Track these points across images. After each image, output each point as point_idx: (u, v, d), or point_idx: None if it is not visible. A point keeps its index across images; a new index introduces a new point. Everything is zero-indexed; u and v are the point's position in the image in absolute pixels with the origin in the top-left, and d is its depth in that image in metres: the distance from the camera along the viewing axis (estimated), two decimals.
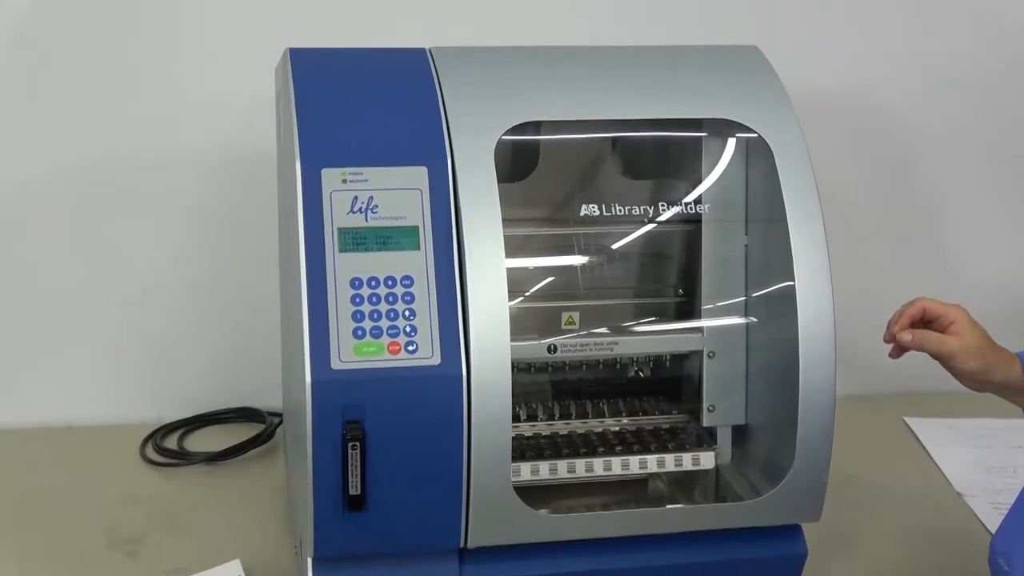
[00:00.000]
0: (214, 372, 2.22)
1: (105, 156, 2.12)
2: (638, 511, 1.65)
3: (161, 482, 1.99)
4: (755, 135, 1.59)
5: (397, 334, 1.42)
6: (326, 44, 1.64)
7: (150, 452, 2.08)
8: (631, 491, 1.71)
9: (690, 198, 1.68)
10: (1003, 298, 2.41)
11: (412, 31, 2.06)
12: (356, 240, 1.45)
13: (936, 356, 1.56)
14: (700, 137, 1.69)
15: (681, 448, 1.69)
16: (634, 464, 1.66)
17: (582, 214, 1.64)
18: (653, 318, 1.75)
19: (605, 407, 1.75)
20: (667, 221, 1.69)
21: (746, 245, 1.67)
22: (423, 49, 1.61)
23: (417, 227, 1.46)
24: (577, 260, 1.72)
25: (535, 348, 1.65)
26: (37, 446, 2.10)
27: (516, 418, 1.68)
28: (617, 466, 1.66)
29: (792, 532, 1.63)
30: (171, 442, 2.12)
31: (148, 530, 1.81)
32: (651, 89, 1.61)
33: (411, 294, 1.44)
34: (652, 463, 1.67)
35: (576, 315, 1.70)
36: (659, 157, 1.77)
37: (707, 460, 1.69)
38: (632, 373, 1.76)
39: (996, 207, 2.40)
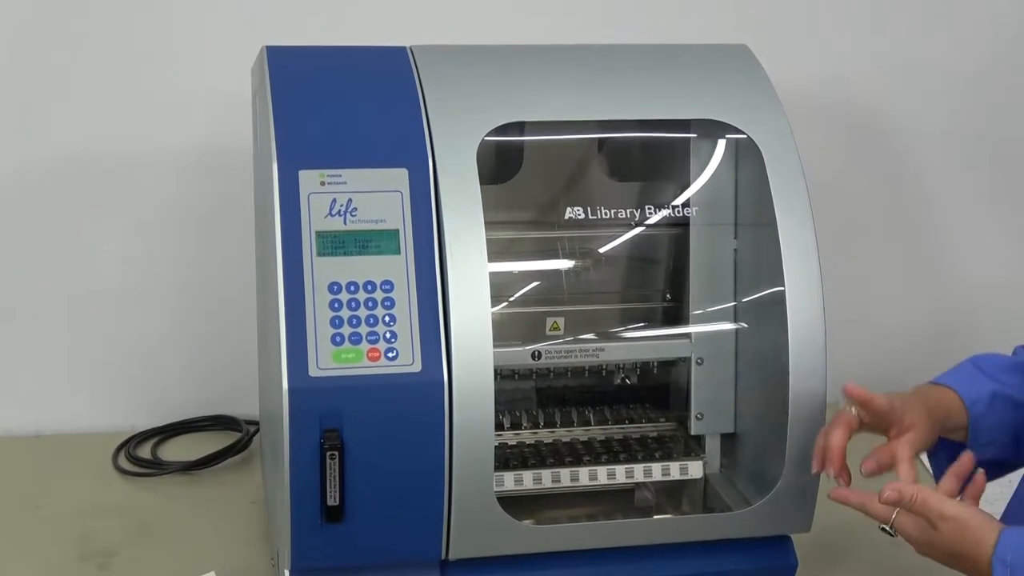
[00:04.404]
0: (189, 379, 2.20)
1: (76, 155, 2.09)
2: (624, 522, 1.64)
3: (134, 492, 1.96)
4: (744, 136, 1.58)
5: (377, 340, 1.41)
6: (304, 42, 1.62)
7: (123, 461, 2.05)
8: (617, 501, 1.70)
9: (678, 201, 1.67)
10: (994, 299, 2.41)
11: (392, 29, 2.03)
12: (335, 244, 1.43)
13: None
14: (688, 138, 1.68)
15: (668, 457, 1.68)
16: (620, 473, 1.65)
17: (567, 217, 1.63)
18: (640, 324, 1.74)
19: (591, 415, 1.74)
20: (654, 224, 1.68)
21: (735, 249, 1.66)
22: (404, 47, 1.59)
23: (397, 230, 1.44)
24: (562, 264, 1.71)
25: (519, 354, 1.64)
26: (5, 455, 2.07)
27: (499, 426, 1.67)
28: (603, 475, 1.65)
29: (782, 543, 1.62)
30: (145, 451, 2.09)
31: (121, 542, 1.79)
32: (638, 89, 1.60)
33: (391, 299, 1.42)
34: (639, 472, 1.66)
35: (561, 321, 1.68)
36: (646, 159, 1.77)
37: (695, 469, 1.68)
38: (618, 380, 1.75)
39: (987, 207, 2.40)
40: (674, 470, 1.66)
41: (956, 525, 1.28)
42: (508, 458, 1.64)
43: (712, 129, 1.62)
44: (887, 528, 1.35)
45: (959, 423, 1.50)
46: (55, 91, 2.07)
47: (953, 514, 1.29)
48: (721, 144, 1.66)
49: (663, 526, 1.63)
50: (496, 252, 1.48)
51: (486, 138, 1.49)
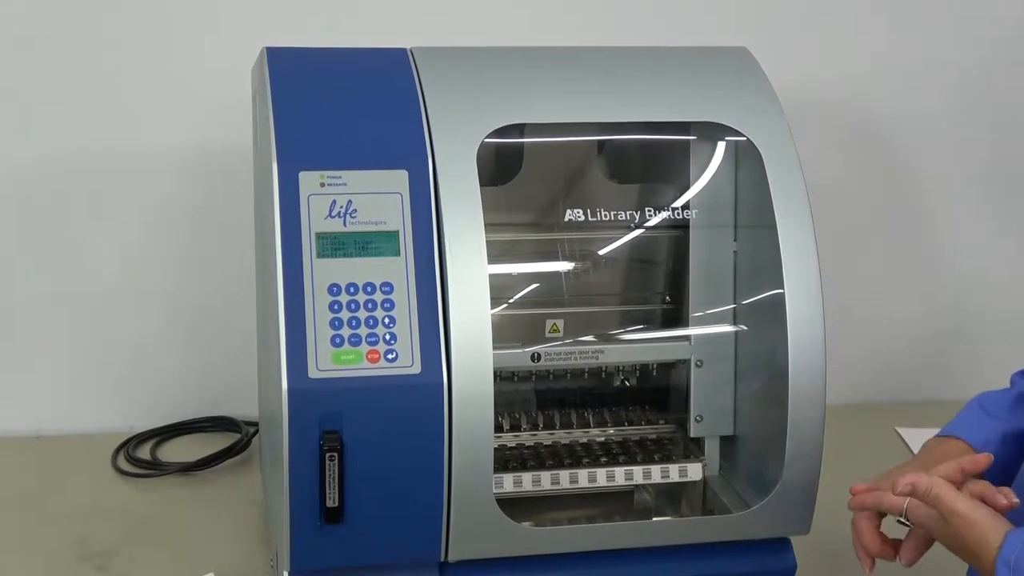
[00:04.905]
0: (188, 380, 2.20)
1: (76, 155, 2.09)
2: (623, 524, 1.63)
3: (133, 493, 1.96)
4: (744, 139, 1.57)
5: (376, 342, 1.40)
6: (304, 42, 1.61)
7: (122, 462, 2.05)
8: (616, 503, 1.69)
9: (678, 203, 1.67)
10: (994, 298, 2.42)
11: (392, 30, 2.04)
12: (334, 245, 1.43)
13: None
14: (688, 141, 1.67)
15: (668, 459, 1.68)
16: (620, 475, 1.65)
17: (567, 219, 1.63)
18: (639, 326, 1.74)
19: (590, 417, 1.73)
20: (654, 226, 1.68)
21: (735, 251, 1.66)
22: (404, 49, 1.59)
23: (397, 232, 1.44)
24: (562, 266, 1.71)
25: (518, 356, 1.64)
26: (4, 456, 2.07)
27: (499, 428, 1.67)
28: (602, 477, 1.64)
29: (781, 545, 1.61)
30: (144, 452, 2.09)
31: (119, 543, 1.79)
32: (638, 91, 1.59)
33: (391, 301, 1.42)
34: (638, 474, 1.66)
35: (560, 323, 1.68)
36: (646, 161, 1.76)
37: (694, 471, 1.68)
38: (618, 382, 1.74)
39: (987, 207, 2.40)
40: (673, 472, 1.66)
41: (965, 522, 1.29)
42: (507, 460, 1.64)
43: (712, 131, 1.62)
44: (902, 520, 1.36)
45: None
46: (55, 91, 2.07)
47: (962, 511, 1.29)
48: (721, 146, 1.65)
49: (662, 528, 1.63)
50: (496, 254, 1.47)
51: (486, 140, 1.48)
